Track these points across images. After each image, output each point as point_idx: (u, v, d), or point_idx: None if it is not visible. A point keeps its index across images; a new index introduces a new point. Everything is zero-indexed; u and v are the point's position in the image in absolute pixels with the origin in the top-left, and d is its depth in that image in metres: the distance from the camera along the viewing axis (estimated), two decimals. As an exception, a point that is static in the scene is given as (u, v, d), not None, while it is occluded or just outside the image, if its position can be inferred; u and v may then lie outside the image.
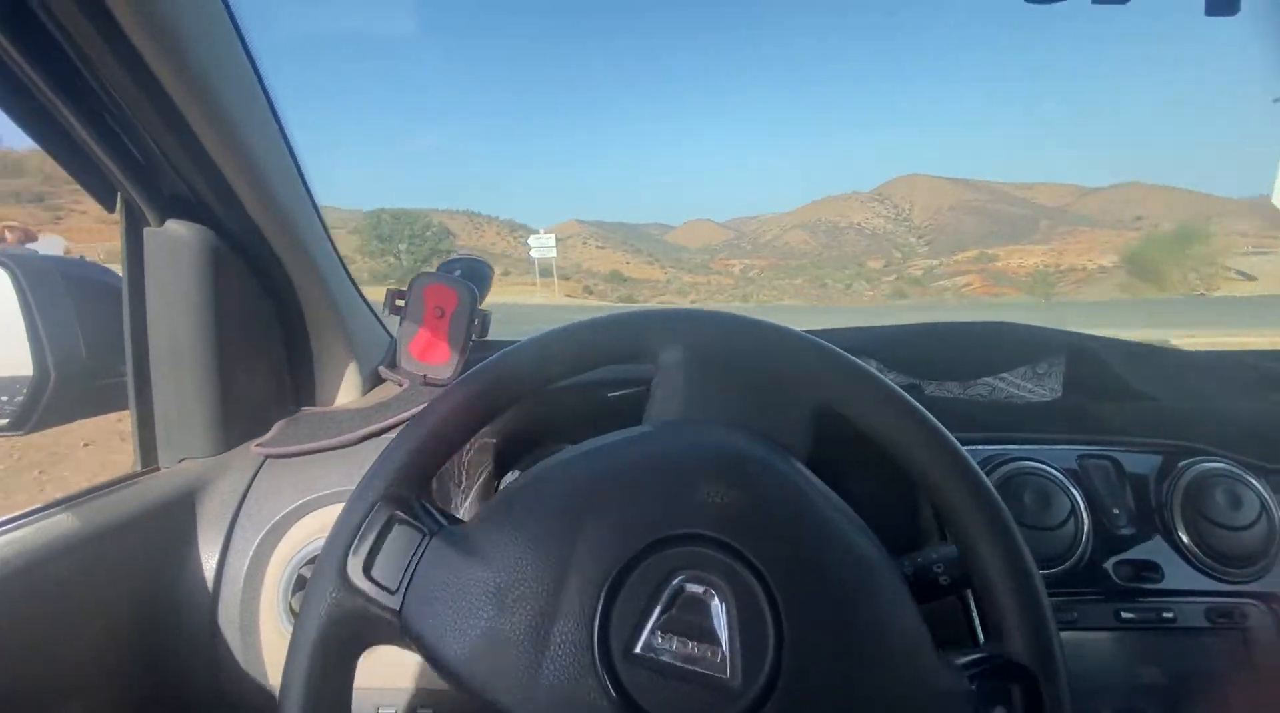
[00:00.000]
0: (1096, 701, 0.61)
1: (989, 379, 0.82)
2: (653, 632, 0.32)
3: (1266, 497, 0.64)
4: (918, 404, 0.40)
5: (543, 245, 50.35)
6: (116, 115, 0.53)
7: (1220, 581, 0.62)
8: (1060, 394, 0.83)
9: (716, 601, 0.32)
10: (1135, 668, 0.62)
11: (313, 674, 0.35)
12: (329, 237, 0.79)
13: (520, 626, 0.32)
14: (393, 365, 0.86)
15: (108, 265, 0.74)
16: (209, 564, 0.62)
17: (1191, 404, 0.80)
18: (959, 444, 0.40)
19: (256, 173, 0.61)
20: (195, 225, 0.62)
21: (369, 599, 0.35)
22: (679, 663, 0.32)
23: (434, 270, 0.93)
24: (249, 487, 0.66)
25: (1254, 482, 0.64)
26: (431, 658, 0.34)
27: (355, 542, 0.36)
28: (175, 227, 0.61)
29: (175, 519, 0.63)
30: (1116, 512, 0.64)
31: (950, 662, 0.36)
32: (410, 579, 0.35)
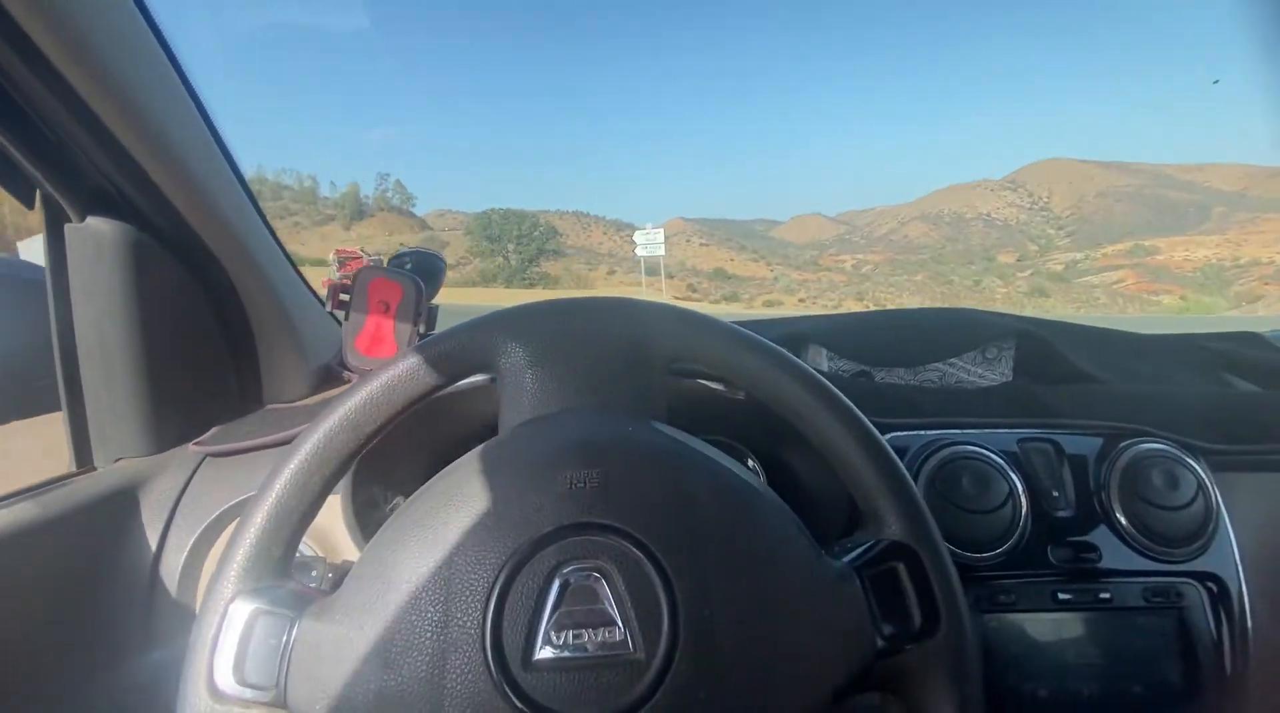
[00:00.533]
0: (1035, 682, 0.62)
1: (939, 365, 0.82)
2: (547, 634, 0.32)
3: (1204, 477, 0.64)
4: (755, 336, 0.41)
5: (649, 242, 43.97)
6: (26, 108, 0.52)
7: (1157, 560, 0.63)
8: (1010, 378, 0.84)
9: (603, 582, 0.32)
10: (1072, 649, 0.62)
11: None
12: (271, 231, 0.78)
13: (412, 675, 0.31)
14: (342, 361, 0.86)
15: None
16: (144, 563, 0.62)
17: (1137, 387, 0.81)
18: (804, 365, 0.40)
19: (180, 167, 0.60)
20: (117, 220, 0.61)
21: (249, 705, 0.33)
22: (580, 655, 0.32)
23: (384, 265, 0.92)
24: (186, 484, 0.65)
25: (1191, 462, 0.65)
26: None
27: (215, 651, 0.34)
28: (97, 222, 0.60)
29: (111, 518, 0.62)
30: (1055, 494, 0.64)
31: (837, 563, 0.37)
32: (287, 670, 0.33)
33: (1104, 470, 0.65)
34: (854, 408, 0.40)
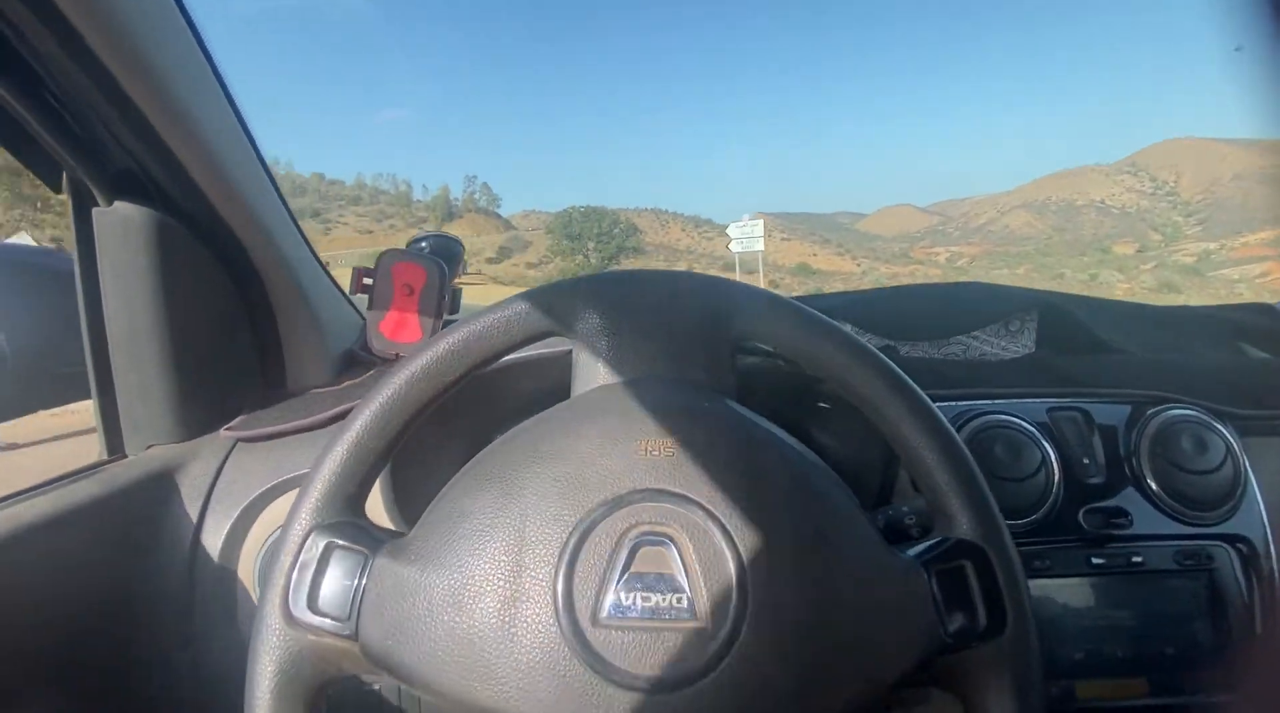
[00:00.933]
0: (1069, 645, 0.62)
1: (962, 338, 0.83)
2: (616, 593, 0.32)
3: (1232, 441, 0.65)
4: (834, 323, 0.41)
5: (745, 235, 39.57)
6: (54, 90, 0.51)
7: (1187, 524, 0.64)
8: (1033, 350, 0.84)
9: (674, 549, 0.33)
10: (1106, 612, 0.63)
11: None
12: (293, 219, 0.77)
13: (483, 621, 0.32)
14: (365, 346, 0.85)
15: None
16: (182, 549, 0.62)
17: (1160, 355, 0.81)
18: (881, 355, 0.40)
19: (207, 151, 0.59)
20: (145, 205, 0.60)
21: (321, 633, 0.34)
22: (647, 618, 0.32)
23: (404, 248, 0.92)
24: (219, 470, 0.65)
25: (1219, 427, 0.65)
26: (400, 675, 0.34)
27: (292, 579, 0.35)
28: (124, 207, 0.59)
29: (145, 506, 0.62)
30: (1086, 461, 0.65)
31: (905, 554, 0.37)
32: (360, 603, 0.34)
33: (1134, 437, 0.65)
34: (930, 403, 0.39)
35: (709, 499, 0.33)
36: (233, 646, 0.62)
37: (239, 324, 0.73)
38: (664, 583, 0.32)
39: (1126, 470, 0.65)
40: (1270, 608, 0.63)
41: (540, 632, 0.32)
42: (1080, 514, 0.63)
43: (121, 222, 0.60)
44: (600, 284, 0.41)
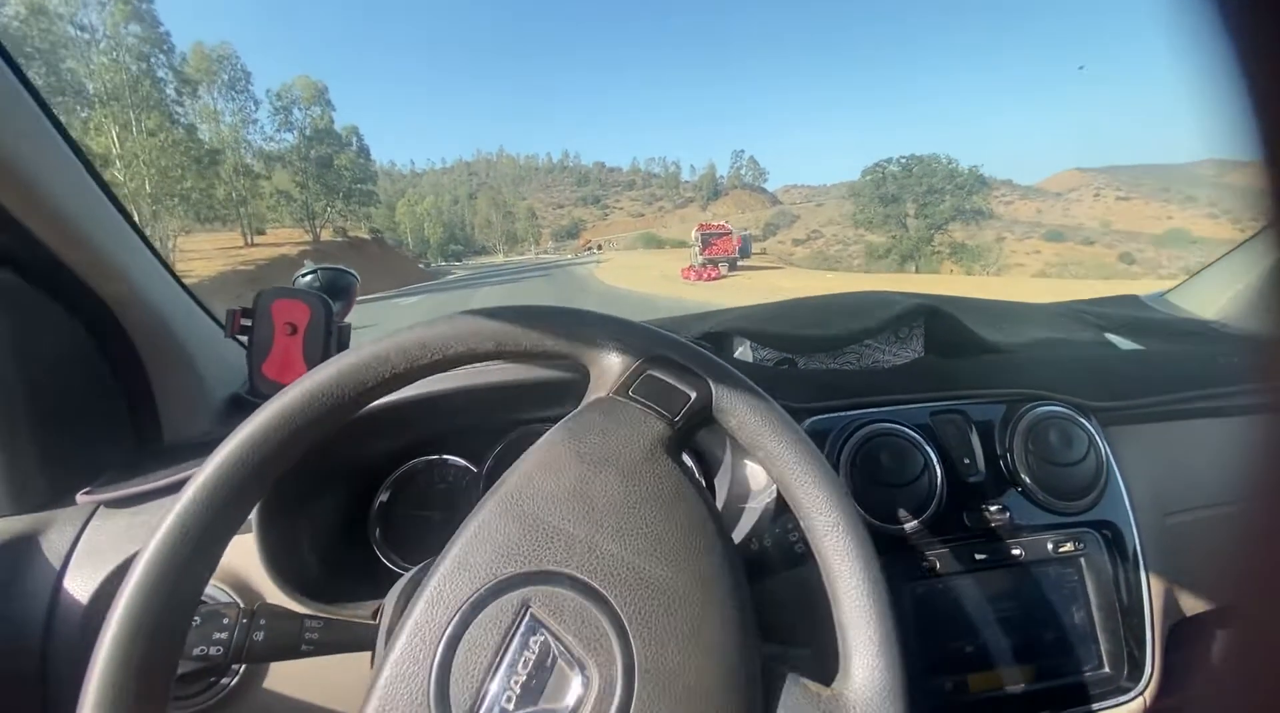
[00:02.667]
0: (959, 639, 0.65)
1: (855, 347, 0.86)
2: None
3: (1094, 433, 0.70)
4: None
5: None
6: None
7: (1060, 514, 0.68)
8: (922, 354, 0.88)
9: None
10: (992, 604, 0.66)
11: None
12: (160, 257, 0.72)
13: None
14: (251, 390, 0.81)
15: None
16: (32, 633, 0.56)
17: (1033, 353, 0.87)
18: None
19: (44, 201, 0.54)
20: None
21: None
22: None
23: (290, 285, 0.88)
24: (76, 540, 0.60)
25: (1082, 420, 0.70)
26: None
27: None
28: None
29: None
30: (967, 461, 0.68)
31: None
32: None
33: (1008, 435, 0.69)
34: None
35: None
36: None
37: (102, 380, 0.68)
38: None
39: (1003, 467, 0.69)
40: (1135, 583, 0.68)
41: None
42: (963, 514, 0.66)
43: None
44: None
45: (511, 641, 0.34)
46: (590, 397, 0.43)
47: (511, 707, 0.33)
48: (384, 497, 0.73)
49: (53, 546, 0.59)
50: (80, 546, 0.60)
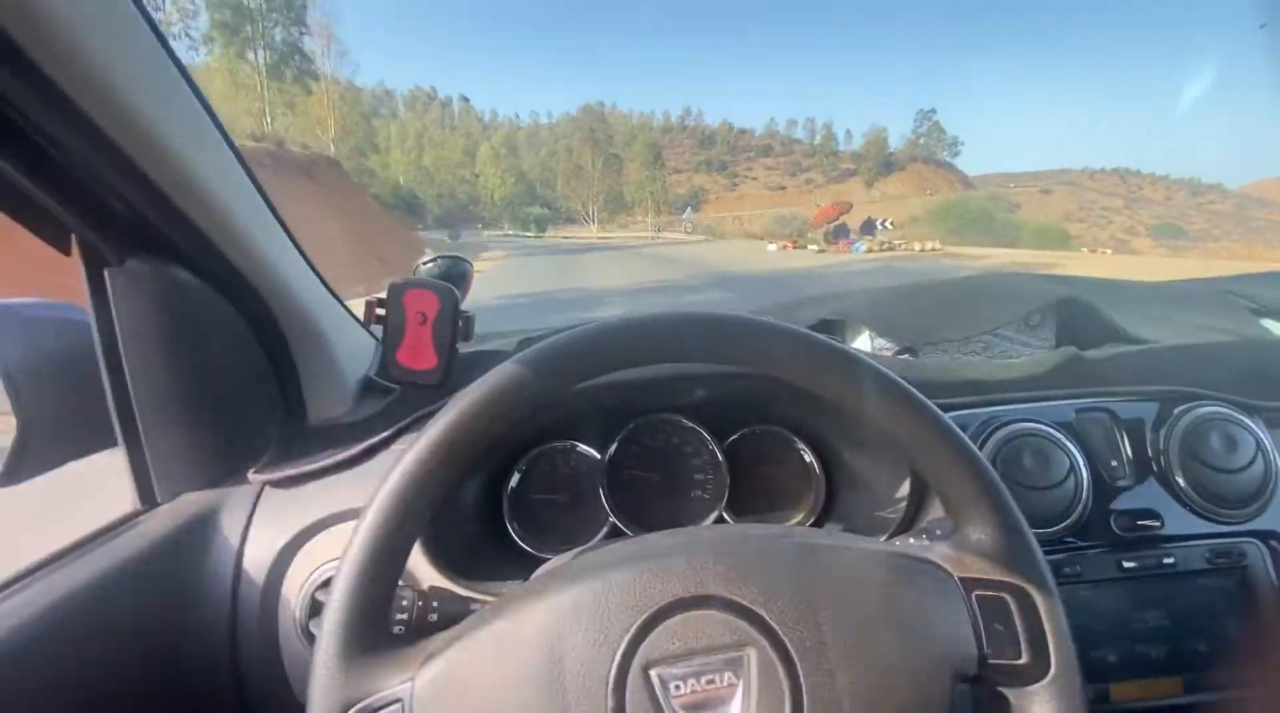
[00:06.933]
0: (1102, 648, 0.63)
1: (983, 337, 0.82)
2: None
3: (1262, 436, 0.64)
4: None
5: None
6: (58, 160, 0.50)
7: (1218, 523, 0.63)
8: (1054, 344, 0.83)
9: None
10: (1138, 613, 0.63)
11: None
12: (301, 251, 0.77)
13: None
14: (381, 374, 0.85)
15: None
16: (222, 598, 0.63)
17: (1184, 345, 0.80)
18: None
19: (211, 199, 0.58)
20: (156, 260, 0.60)
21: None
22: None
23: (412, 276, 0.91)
24: (252, 514, 0.66)
25: (1249, 422, 0.65)
26: None
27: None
28: (135, 265, 0.59)
29: (184, 554, 0.63)
30: (1115, 463, 0.65)
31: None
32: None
33: (1162, 436, 0.65)
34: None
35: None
36: (277, 690, 0.63)
37: (258, 365, 0.73)
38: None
39: (1155, 470, 0.65)
40: None
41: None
42: (1111, 519, 0.63)
43: (134, 279, 0.59)
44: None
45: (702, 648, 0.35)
46: None
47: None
48: (514, 480, 0.76)
49: (232, 519, 0.65)
50: (254, 520, 0.66)
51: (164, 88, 0.53)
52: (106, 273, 0.59)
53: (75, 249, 0.58)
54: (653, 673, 0.35)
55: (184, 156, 0.54)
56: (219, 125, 0.60)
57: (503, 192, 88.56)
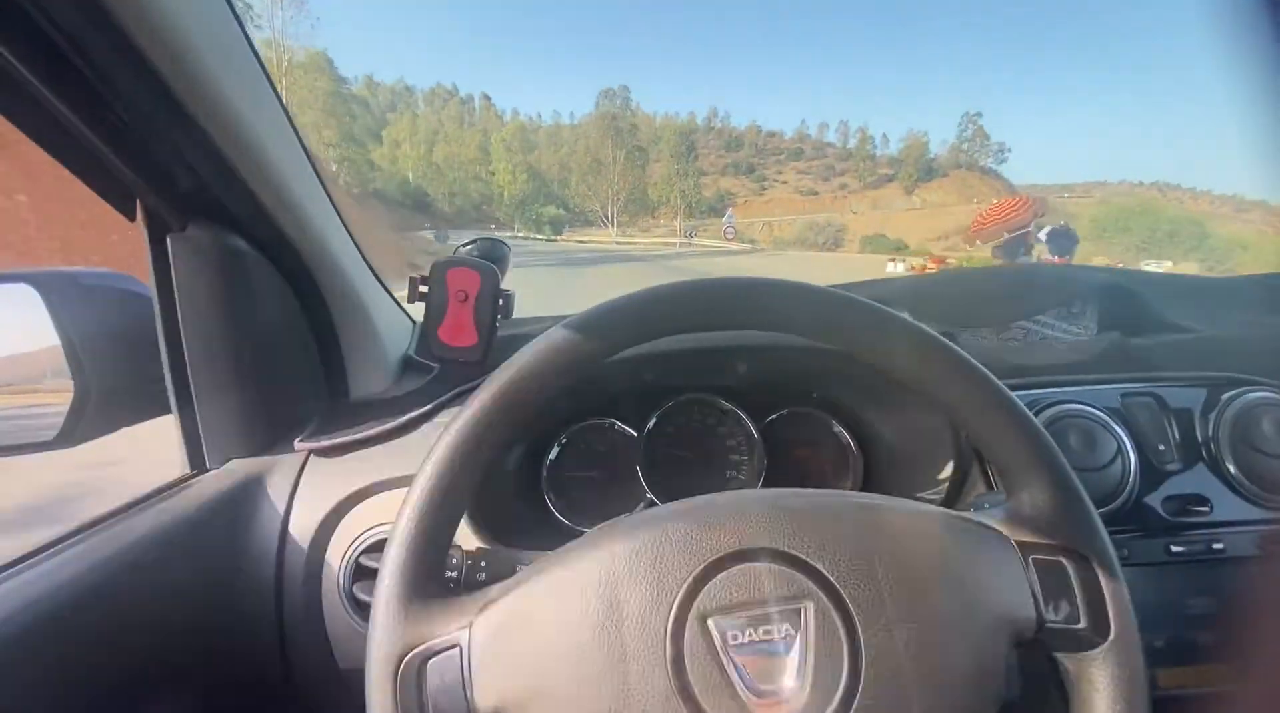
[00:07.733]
0: (1150, 633, 0.62)
1: (1023, 323, 0.81)
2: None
3: None
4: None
5: None
6: (129, 124, 0.52)
7: (1270, 509, 0.62)
8: (1095, 332, 0.82)
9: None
10: (1187, 599, 0.62)
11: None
12: (348, 230, 0.78)
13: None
14: (421, 351, 0.86)
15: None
16: (268, 561, 0.64)
17: (1229, 333, 0.79)
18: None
19: (271, 171, 0.60)
20: (215, 227, 0.61)
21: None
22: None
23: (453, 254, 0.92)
24: (297, 481, 0.67)
25: None
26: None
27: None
28: (197, 232, 0.61)
29: (233, 518, 0.64)
30: (1162, 448, 0.64)
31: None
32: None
33: (1211, 421, 0.64)
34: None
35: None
36: (322, 656, 0.64)
37: (305, 339, 0.75)
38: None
39: (1204, 455, 0.64)
40: None
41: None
42: (1158, 501, 0.62)
43: (195, 246, 0.61)
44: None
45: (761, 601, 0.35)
46: None
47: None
48: (554, 454, 0.77)
49: (277, 487, 0.67)
50: (300, 487, 0.67)
51: (232, 54, 0.54)
52: (169, 238, 0.60)
53: (140, 216, 0.60)
54: (710, 622, 0.35)
55: (247, 123, 0.56)
56: (278, 95, 0.62)
57: (513, 189, 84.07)
